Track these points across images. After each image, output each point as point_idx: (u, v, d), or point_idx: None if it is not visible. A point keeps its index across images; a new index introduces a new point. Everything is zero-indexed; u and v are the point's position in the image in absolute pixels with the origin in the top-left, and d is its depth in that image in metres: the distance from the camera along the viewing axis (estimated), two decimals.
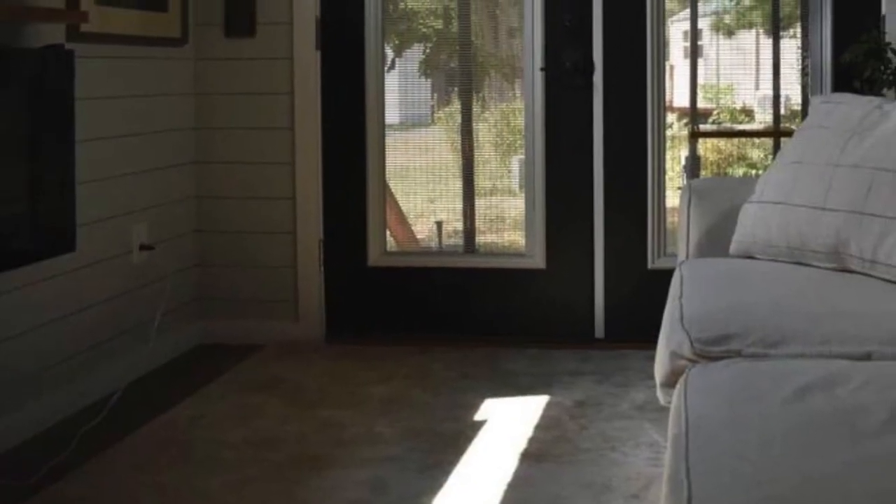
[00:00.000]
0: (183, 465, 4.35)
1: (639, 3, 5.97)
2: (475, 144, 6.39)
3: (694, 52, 6.28)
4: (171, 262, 5.84)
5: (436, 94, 6.62)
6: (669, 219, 6.07)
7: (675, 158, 6.32)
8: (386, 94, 6.26)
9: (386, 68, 6.31)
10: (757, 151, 6.43)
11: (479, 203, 6.41)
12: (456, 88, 6.45)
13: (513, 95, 6.42)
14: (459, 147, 6.40)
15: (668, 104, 6.25)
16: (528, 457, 4.38)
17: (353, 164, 6.19)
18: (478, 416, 4.88)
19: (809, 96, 6.00)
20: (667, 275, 4.42)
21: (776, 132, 6.19)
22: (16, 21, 4.45)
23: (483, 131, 6.44)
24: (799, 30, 6.21)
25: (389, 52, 6.38)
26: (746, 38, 6.38)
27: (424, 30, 6.51)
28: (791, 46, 6.23)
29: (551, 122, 6.05)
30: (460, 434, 4.64)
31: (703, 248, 4.47)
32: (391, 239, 6.44)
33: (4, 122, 4.30)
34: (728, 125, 6.40)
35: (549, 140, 6.06)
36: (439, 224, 6.54)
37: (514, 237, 6.39)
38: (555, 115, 6.05)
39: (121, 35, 5.33)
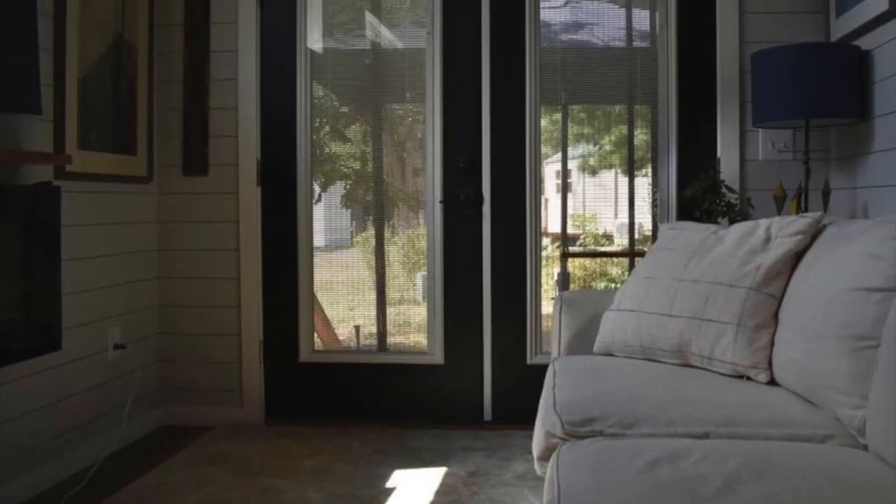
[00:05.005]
0: None
1: (519, 148, 6.08)
2: (386, 263, 6.40)
3: (564, 188, 6.30)
4: (140, 358, 5.86)
5: (354, 222, 6.55)
6: (545, 323, 6.10)
7: (549, 274, 6.28)
8: (314, 222, 6.29)
9: (314, 201, 6.31)
10: (616, 269, 6.21)
11: (390, 311, 6.40)
12: (371, 217, 6.40)
13: (417, 223, 6.38)
14: (374, 265, 6.39)
15: (543, 230, 6.27)
16: None
17: (287, 279, 6.23)
18: (389, 484, 4.93)
19: (658, 224, 6.07)
20: (542, 369, 4.41)
21: (631, 253, 6.24)
22: (13, 162, 4.52)
23: (393, 252, 6.41)
24: (650, 170, 6.21)
25: (317, 188, 6.36)
26: (607, 176, 6.17)
27: (345, 170, 6.49)
28: (643, 183, 6.22)
29: (448, 245, 6.14)
30: (374, 499, 4.69)
31: (572, 348, 4.50)
32: (318, 340, 6.44)
33: (3, 245, 4.35)
34: (592, 247, 6.27)
35: (447, 259, 6.15)
36: (357, 328, 6.49)
37: (419, 338, 6.38)
38: (451, 239, 6.14)
39: (98, 174, 5.40)
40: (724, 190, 5.51)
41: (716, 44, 5.90)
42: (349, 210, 6.57)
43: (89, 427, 5.34)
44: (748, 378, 3.73)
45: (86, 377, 5.31)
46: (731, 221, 5.33)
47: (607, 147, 6.32)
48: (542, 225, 6.27)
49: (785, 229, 3.89)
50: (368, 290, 6.45)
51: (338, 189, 6.54)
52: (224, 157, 6.18)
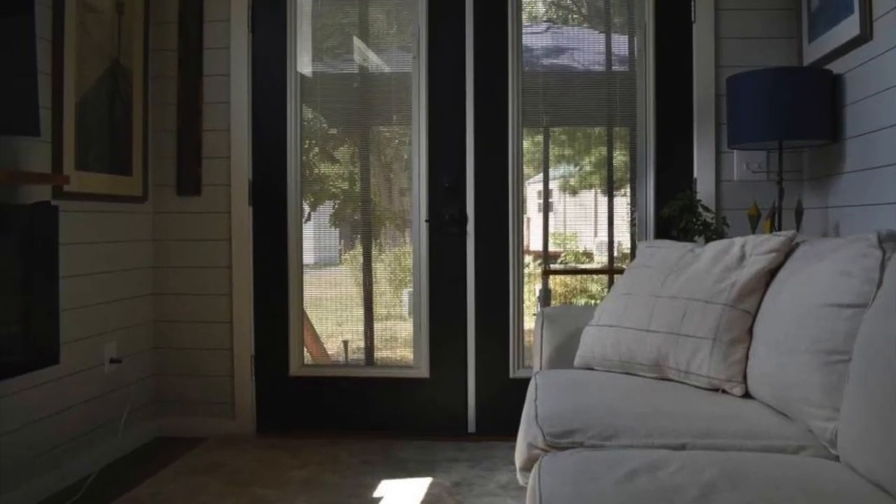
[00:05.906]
0: None
1: (502, 169, 6.09)
2: (373, 280, 6.40)
3: (546, 208, 6.32)
4: (135, 372, 5.86)
5: (343, 241, 6.54)
6: (527, 338, 6.10)
7: (531, 291, 6.28)
8: (304, 241, 6.28)
9: (303, 220, 6.30)
10: (595, 285, 6.21)
11: (377, 326, 6.41)
12: (359, 236, 6.40)
13: (403, 241, 6.37)
14: (361, 282, 6.39)
15: (525, 248, 6.25)
16: None
17: (277, 295, 6.23)
18: (376, 494, 4.92)
19: (637, 242, 6.05)
20: (525, 383, 4.50)
21: (611, 270, 6.22)
22: (12, 183, 4.53)
23: (380, 269, 6.42)
24: (629, 190, 6.20)
25: (306, 207, 6.35)
26: (587, 196, 6.15)
27: (334, 190, 6.47)
28: (622, 203, 6.22)
29: (434, 262, 6.15)
30: None
31: (553, 362, 4.52)
32: (308, 354, 6.42)
33: (2, 263, 4.35)
34: (573, 265, 6.28)
35: (432, 276, 6.15)
36: (346, 343, 6.49)
37: (405, 353, 6.36)
38: (436, 257, 6.15)
39: (95, 194, 5.40)
40: (700, 209, 5.52)
41: (692, 68, 5.92)
42: (337, 229, 6.55)
43: (86, 438, 5.32)
44: (724, 391, 3.73)
45: (83, 390, 5.30)
46: (707, 240, 5.33)
47: (587, 168, 6.32)
48: (525, 243, 6.25)
49: (759, 247, 3.89)
50: (356, 306, 6.44)
51: (326, 208, 6.53)
52: (217, 177, 6.18)
